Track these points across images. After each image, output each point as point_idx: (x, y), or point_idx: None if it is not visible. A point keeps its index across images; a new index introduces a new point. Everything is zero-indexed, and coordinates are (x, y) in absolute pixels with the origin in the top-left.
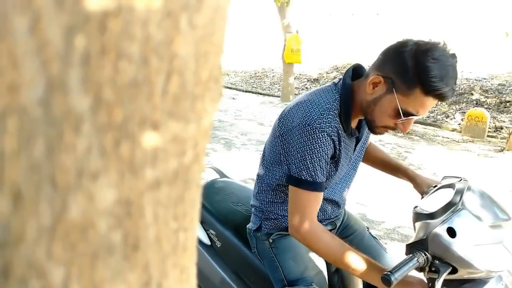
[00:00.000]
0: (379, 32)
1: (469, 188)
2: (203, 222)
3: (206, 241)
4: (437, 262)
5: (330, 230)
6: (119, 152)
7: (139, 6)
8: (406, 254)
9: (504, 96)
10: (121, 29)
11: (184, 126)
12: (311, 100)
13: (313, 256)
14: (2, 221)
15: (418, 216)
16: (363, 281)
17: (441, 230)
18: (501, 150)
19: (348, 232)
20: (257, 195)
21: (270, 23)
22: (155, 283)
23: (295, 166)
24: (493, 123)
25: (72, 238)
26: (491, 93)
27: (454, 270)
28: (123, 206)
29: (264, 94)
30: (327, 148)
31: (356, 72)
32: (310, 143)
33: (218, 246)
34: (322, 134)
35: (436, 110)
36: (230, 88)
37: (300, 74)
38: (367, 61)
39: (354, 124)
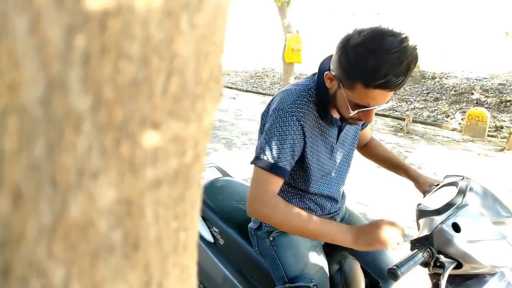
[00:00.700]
0: None
1: (472, 186)
2: (206, 220)
3: (210, 238)
4: (442, 257)
5: None
6: (120, 152)
7: (139, 6)
8: (411, 249)
9: (505, 95)
10: (121, 29)
11: (185, 125)
12: (287, 89)
13: (313, 253)
14: (2, 221)
15: (422, 213)
16: (365, 278)
17: (446, 225)
18: (501, 150)
19: None
20: None
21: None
22: (156, 283)
23: (260, 147)
24: (493, 122)
25: (72, 237)
26: (491, 93)
27: (459, 265)
28: (123, 205)
29: (264, 94)
30: (294, 133)
31: None
32: (279, 125)
33: (221, 243)
34: (292, 118)
35: (437, 110)
36: (231, 88)
37: (300, 74)
38: None
39: (337, 113)
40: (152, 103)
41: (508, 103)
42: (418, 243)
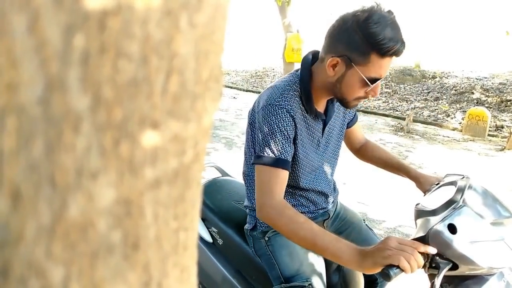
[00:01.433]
0: None
1: (470, 186)
2: (205, 220)
3: (208, 238)
4: (438, 258)
5: (323, 221)
6: (119, 152)
7: (139, 5)
8: None
9: (505, 95)
10: (120, 28)
11: (184, 125)
12: (273, 86)
13: (309, 253)
14: (1, 221)
15: (420, 213)
16: (364, 279)
17: (441, 226)
18: (502, 149)
19: (344, 226)
20: (248, 195)
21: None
22: (155, 283)
23: (259, 145)
24: (494, 122)
25: (71, 237)
26: (491, 92)
27: (455, 267)
28: (122, 205)
29: None
30: (286, 124)
31: (315, 57)
32: (271, 119)
33: (220, 243)
34: (282, 110)
35: (437, 109)
36: (231, 87)
37: None
38: None
39: (321, 107)
40: (151, 103)
41: (508, 103)
42: None
